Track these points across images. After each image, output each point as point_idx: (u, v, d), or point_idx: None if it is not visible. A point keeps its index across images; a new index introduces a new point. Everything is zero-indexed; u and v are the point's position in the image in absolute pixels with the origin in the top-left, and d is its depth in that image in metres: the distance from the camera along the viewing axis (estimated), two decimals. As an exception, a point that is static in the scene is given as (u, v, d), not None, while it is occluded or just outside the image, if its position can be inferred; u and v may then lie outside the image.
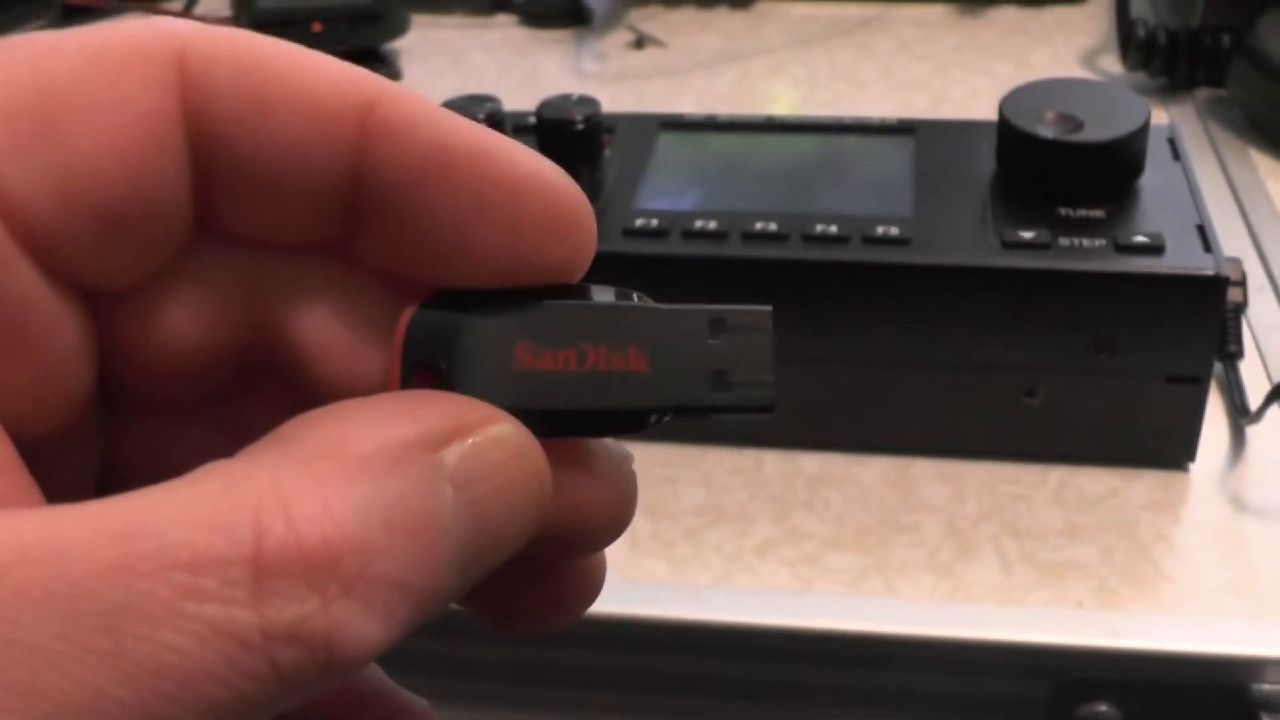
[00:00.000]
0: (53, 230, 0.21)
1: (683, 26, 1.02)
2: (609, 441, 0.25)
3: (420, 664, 0.52)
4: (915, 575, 0.54)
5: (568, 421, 0.23)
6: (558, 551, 0.25)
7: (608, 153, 0.64)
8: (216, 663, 0.18)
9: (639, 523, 0.56)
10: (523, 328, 0.23)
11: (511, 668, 0.55)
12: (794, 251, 0.56)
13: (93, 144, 0.21)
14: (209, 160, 0.22)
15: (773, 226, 0.57)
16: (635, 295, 0.24)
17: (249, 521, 0.19)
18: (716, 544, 0.56)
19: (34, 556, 0.18)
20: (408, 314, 0.23)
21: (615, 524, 0.25)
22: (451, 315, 0.23)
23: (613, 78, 0.95)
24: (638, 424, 0.24)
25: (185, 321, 0.24)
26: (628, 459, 0.25)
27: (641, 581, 0.54)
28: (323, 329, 0.25)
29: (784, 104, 0.92)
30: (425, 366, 0.23)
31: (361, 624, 0.19)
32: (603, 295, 0.24)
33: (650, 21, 1.02)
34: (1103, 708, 0.51)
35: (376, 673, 0.28)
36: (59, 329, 0.22)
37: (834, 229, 0.57)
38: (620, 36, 1.01)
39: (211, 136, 0.22)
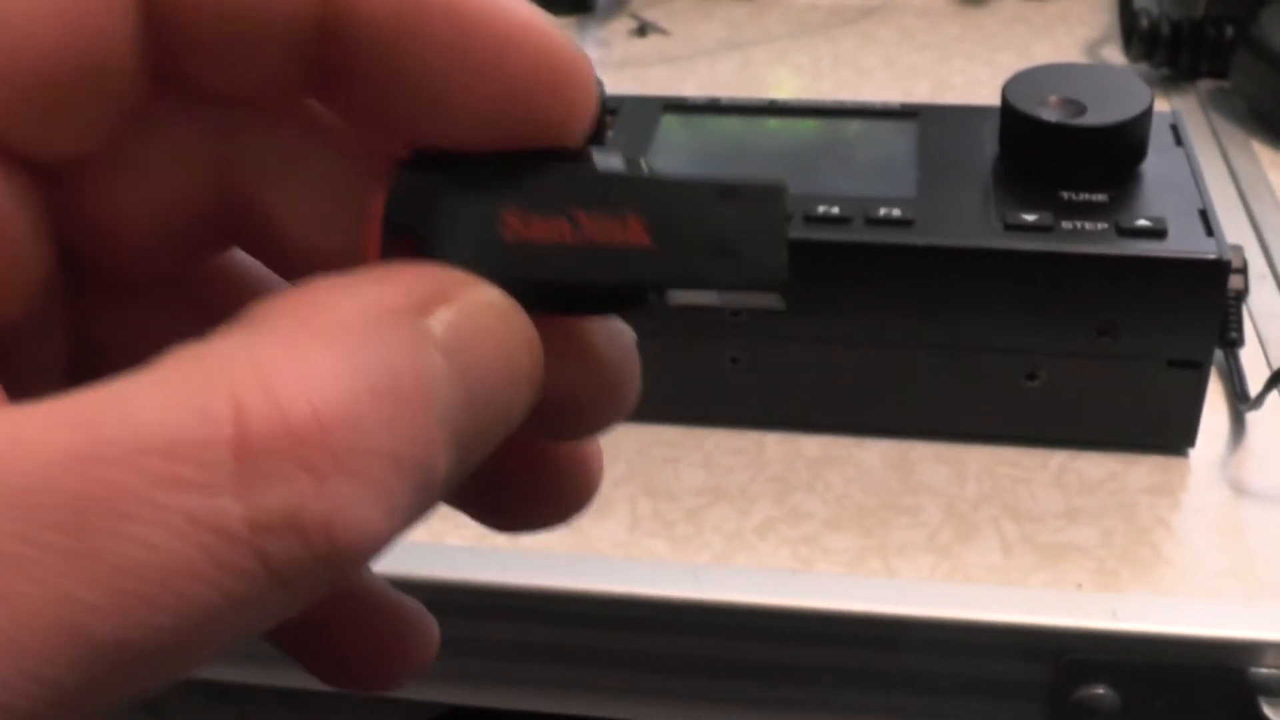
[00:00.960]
0: None
1: (685, 14, 1.02)
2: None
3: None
4: (915, 556, 0.54)
5: (559, 295, 0.22)
6: (551, 432, 0.24)
7: (610, 134, 0.64)
8: (198, 559, 0.16)
9: (639, 502, 0.56)
10: (511, 192, 0.22)
11: (510, 646, 0.55)
12: (796, 232, 0.56)
13: (32, 9, 0.19)
14: (166, 15, 0.21)
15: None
16: (643, 162, 0.22)
17: (225, 398, 0.17)
18: (717, 524, 0.56)
19: None
20: (387, 180, 0.22)
21: (613, 402, 0.24)
22: (434, 179, 0.22)
23: (615, 65, 0.95)
24: (635, 300, 0.22)
25: (147, 190, 0.23)
26: (625, 331, 0.24)
27: (641, 560, 0.54)
28: (296, 196, 0.23)
29: (786, 92, 0.92)
30: (405, 235, 0.22)
31: (361, 505, 0.18)
32: (605, 162, 0.22)
33: (653, 9, 1.02)
34: (1100, 690, 0.51)
35: (369, 571, 0.26)
36: (9, 209, 0.21)
37: (836, 210, 0.57)
38: (623, 24, 1.01)
39: None
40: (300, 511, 0.17)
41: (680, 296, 0.22)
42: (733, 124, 0.66)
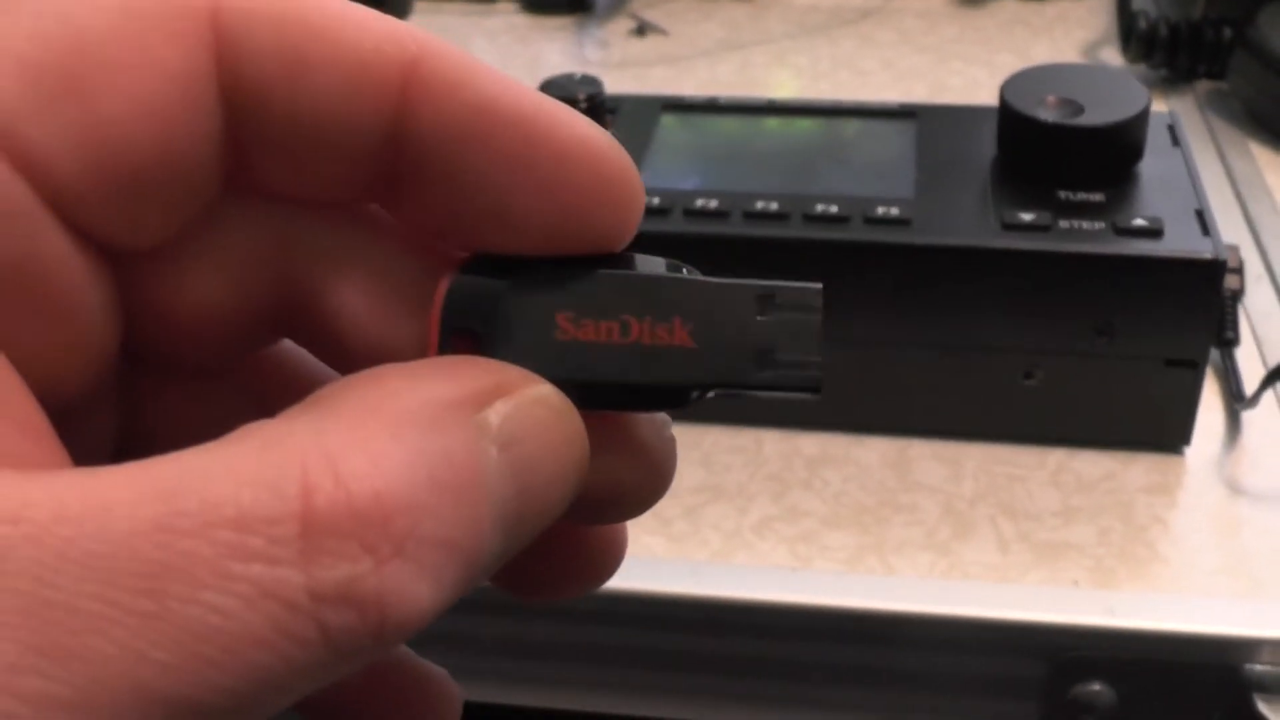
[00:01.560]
0: (79, 191, 0.21)
1: (685, 15, 1.02)
2: None
3: (414, 640, 0.52)
4: (912, 554, 0.54)
5: (608, 394, 0.23)
6: (589, 518, 0.25)
7: (610, 133, 0.64)
8: (263, 626, 0.17)
9: (638, 500, 0.57)
10: (565, 296, 0.23)
11: (507, 643, 0.55)
12: (795, 231, 0.56)
13: (121, 104, 0.20)
14: (243, 118, 0.22)
15: (774, 206, 0.57)
16: (684, 268, 0.23)
17: (295, 477, 0.18)
18: (715, 521, 0.56)
19: (72, 515, 0.17)
20: (446, 279, 0.23)
21: (652, 491, 0.25)
22: (492, 281, 0.23)
23: (615, 65, 0.95)
24: (680, 400, 0.23)
25: (211, 282, 0.23)
26: (667, 424, 0.25)
27: (640, 557, 0.54)
28: (355, 293, 0.24)
29: (785, 93, 0.92)
30: (463, 333, 0.23)
31: (413, 585, 0.19)
32: (648, 266, 0.23)
33: (652, 9, 1.03)
34: (1097, 687, 0.51)
35: None
36: (85, 290, 0.22)
37: (835, 209, 0.57)
38: (622, 24, 1.01)
39: (247, 94, 0.21)
40: (357, 587, 0.18)
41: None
42: (732, 124, 0.66)
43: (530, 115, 0.22)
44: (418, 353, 0.23)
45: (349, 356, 0.24)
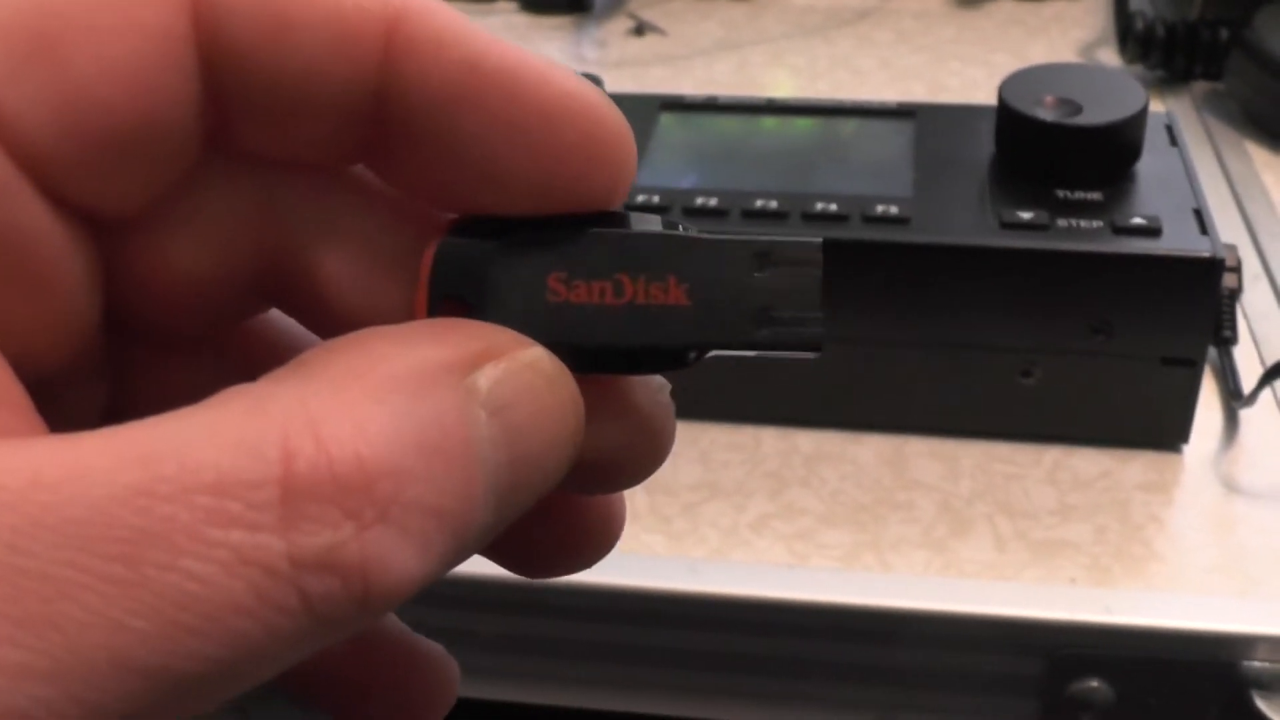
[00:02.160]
0: (55, 156, 0.20)
1: (683, 14, 1.02)
2: None
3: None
4: (909, 551, 0.54)
5: (603, 357, 0.22)
6: (586, 487, 0.24)
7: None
8: (243, 593, 0.17)
9: (636, 498, 0.57)
10: (556, 257, 0.22)
11: (506, 640, 0.55)
12: (794, 229, 0.56)
13: (97, 65, 0.20)
14: (223, 79, 0.21)
15: (773, 204, 0.57)
16: (680, 225, 0.23)
17: (276, 441, 0.18)
18: (713, 519, 0.56)
19: (47, 482, 0.17)
20: (434, 242, 0.22)
21: (650, 458, 0.24)
22: (481, 243, 0.22)
23: (613, 65, 0.95)
24: (677, 361, 0.23)
25: (195, 249, 0.23)
26: (664, 388, 0.24)
27: (638, 554, 0.54)
28: (341, 259, 0.23)
29: (783, 92, 0.92)
30: (452, 297, 0.22)
31: (398, 553, 0.18)
32: (643, 224, 0.23)
33: (650, 9, 1.03)
34: (1094, 683, 0.51)
35: (391, 615, 0.27)
36: (64, 259, 0.21)
37: (834, 207, 0.57)
38: (620, 24, 1.01)
39: (226, 54, 0.21)
40: (339, 553, 0.18)
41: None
42: (730, 122, 0.66)
43: (517, 70, 0.21)
44: (406, 319, 0.22)
45: (337, 324, 0.23)
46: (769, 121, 0.66)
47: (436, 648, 0.28)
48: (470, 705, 0.61)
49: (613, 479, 0.24)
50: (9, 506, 0.17)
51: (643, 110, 0.67)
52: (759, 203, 0.57)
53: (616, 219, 0.23)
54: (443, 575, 0.19)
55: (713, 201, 0.58)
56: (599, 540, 0.26)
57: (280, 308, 0.25)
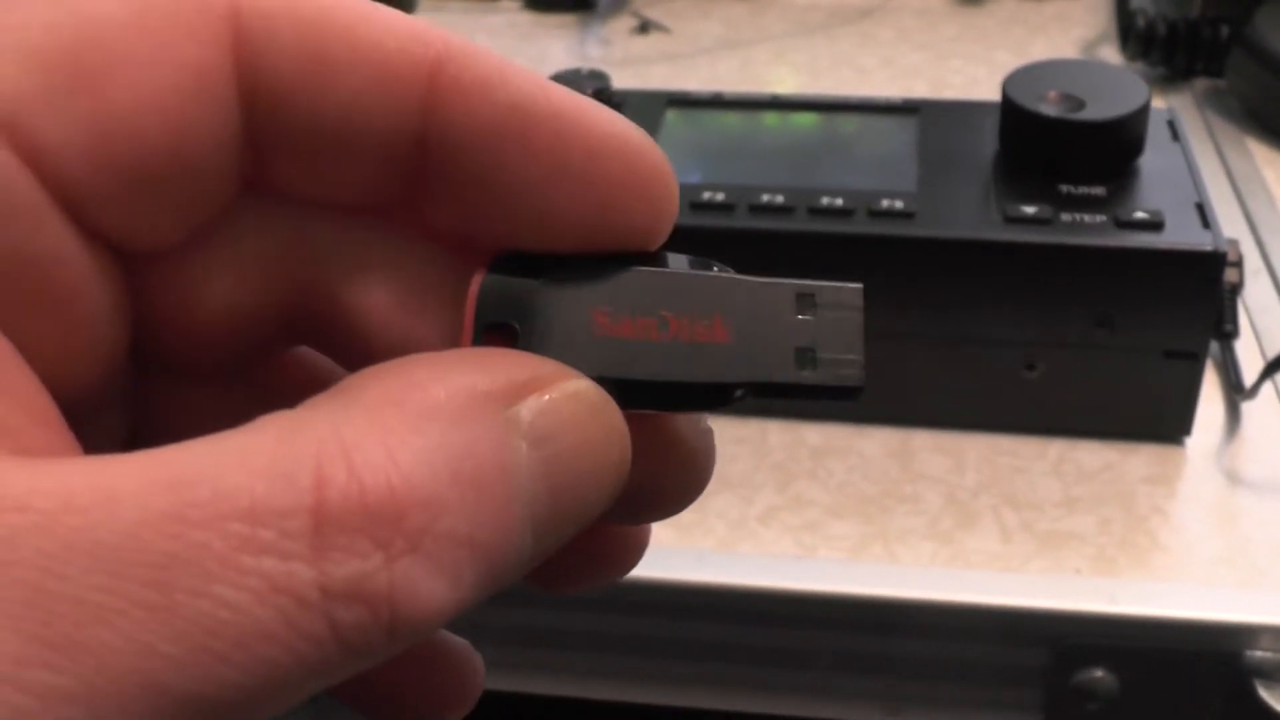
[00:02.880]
0: (88, 187, 0.20)
1: (686, 13, 1.03)
2: None
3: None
4: (916, 543, 0.55)
5: (647, 392, 0.22)
6: (625, 518, 0.24)
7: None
8: (273, 621, 0.17)
9: (644, 490, 0.57)
10: (601, 292, 0.22)
11: (513, 631, 0.56)
12: (800, 224, 0.57)
13: (134, 98, 0.20)
14: (263, 119, 0.21)
15: (779, 199, 0.58)
16: (716, 266, 0.23)
17: (309, 469, 0.18)
18: (721, 511, 0.57)
19: (80, 505, 0.17)
20: (479, 274, 0.22)
21: (692, 488, 0.24)
22: (526, 277, 0.22)
23: (616, 63, 0.96)
24: (722, 399, 0.23)
25: (226, 286, 0.23)
26: (705, 418, 0.24)
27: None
28: (377, 296, 0.23)
29: (785, 89, 0.92)
30: (498, 328, 0.22)
31: (427, 584, 0.18)
32: (682, 264, 0.23)
33: (654, 7, 1.03)
34: (1099, 673, 0.52)
35: None
36: (92, 288, 0.21)
37: (840, 202, 0.57)
38: (624, 22, 1.02)
39: (267, 94, 0.21)
40: (368, 583, 0.18)
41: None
42: (736, 119, 0.67)
43: (564, 112, 0.21)
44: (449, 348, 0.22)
45: (371, 361, 0.23)
46: (774, 118, 0.67)
47: (462, 642, 0.27)
48: (481, 695, 0.61)
49: (651, 510, 0.24)
50: (41, 529, 0.17)
51: (649, 107, 0.67)
52: (765, 198, 0.58)
53: (656, 258, 0.23)
54: (477, 604, 0.19)
55: (719, 196, 0.58)
56: (623, 559, 0.26)
57: (311, 344, 0.25)
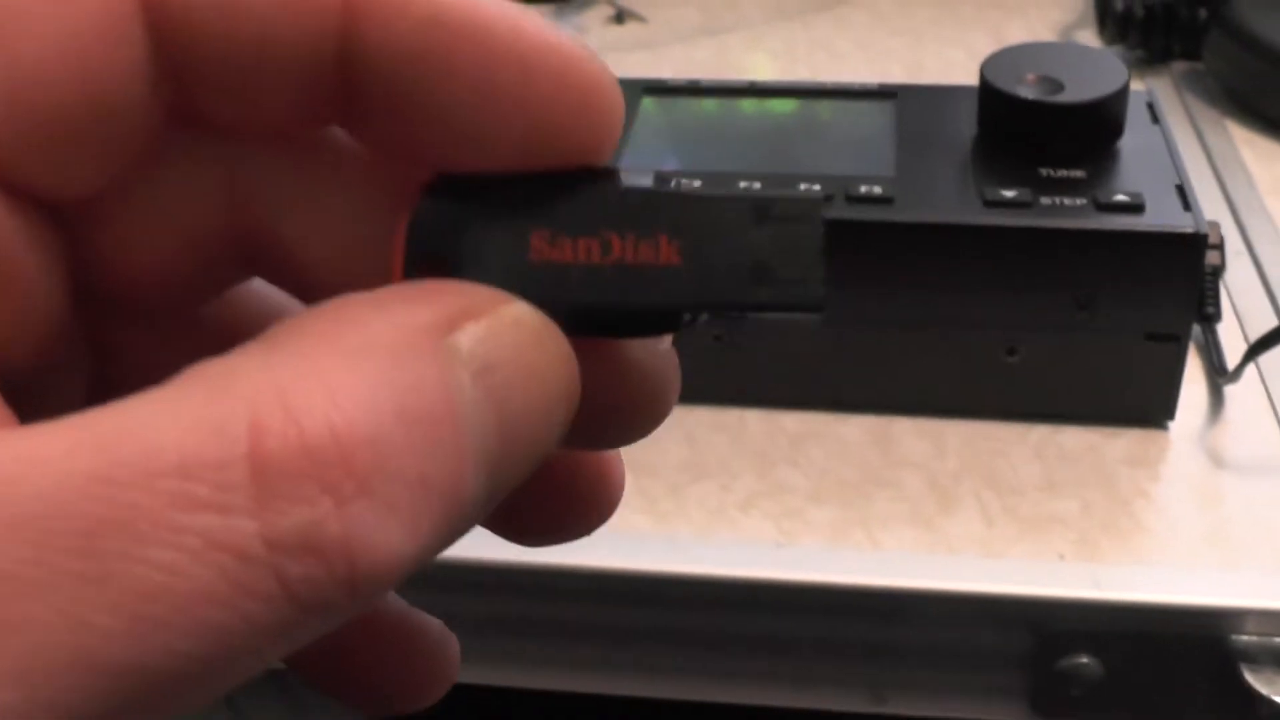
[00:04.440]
0: (3, 144, 0.19)
1: (662, 1, 1.02)
2: None
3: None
4: (897, 528, 0.54)
5: (591, 319, 0.21)
6: (586, 443, 0.23)
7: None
8: (215, 580, 0.16)
9: (623, 479, 0.57)
10: (539, 214, 0.21)
11: (489, 621, 0.55)
12: (777, 210, 0.56)
13: (37, 47, 0.19)
14: (175, 50, 0.20)
15: (756, 186, 0.57)
16: (675, 182, 0.22)
17: (243, 416, 0.17)
18: (699, 498, 0.56)
19: (4, 475, 0.16)
20: (410, 204, 0.21)
21: (651, 411, 0.23)
22: (459, 203, 0.21)
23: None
24: (670, 324, 0.22)
25: (163, 224, 0.22)
26: (664, 339, 0.23)
27: (624, 534, 0.54)
28: (316, 225, 0.23)
29: (763, 76, 0.92)
30: (431, 259, 0.21)
31: (384, 528, 0.17)
32: (634, 180, 0.22)
33: (629, -5, 1.03)
34: (1084, 659, 0.51)
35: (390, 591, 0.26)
36: (21, 248, 0.20)
37: (817, 188, 0.57)
38: (600, 10, 1.01)
39: (176, 24, 0.20)
40: (318, 532, 0.17)
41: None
42: (713, 106, 0.66)
43: (489, 24, 0.20)
44: (385, 281, 0.21)
45: (318, 292, 0.22)
46: (751, 104, 0.66)
47: (436, 623, 0.27)
48: (453, 689, 0.61)
49: (613, 434, 0.23)
50: None
51: (625, 94, 0.66)
52: (742, 184, 0.57)
53: (605, 174, 0.22)
54: (435, 555, 0.18)
55: (696, 183, 0.58)
56: (597, 504, 0.25)
57: (264, 276, 0.24)
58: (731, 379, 0.60)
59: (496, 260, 0.21)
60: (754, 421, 0.60)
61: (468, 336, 0.19)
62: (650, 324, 0.22)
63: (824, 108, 0.65)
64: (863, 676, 0.54)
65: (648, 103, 0.66)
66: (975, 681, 0.53)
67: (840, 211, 0.56)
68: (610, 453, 0.25)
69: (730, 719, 0.60)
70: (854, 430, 0.60)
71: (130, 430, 0.16)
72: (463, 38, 0.20)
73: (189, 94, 0.21)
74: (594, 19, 1.00)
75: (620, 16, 0.99)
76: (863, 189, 0.57)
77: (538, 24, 0.21)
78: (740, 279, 0.21)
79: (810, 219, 0.21)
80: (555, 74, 0.21)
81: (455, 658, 0.27)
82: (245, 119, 0.22)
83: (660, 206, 0.21)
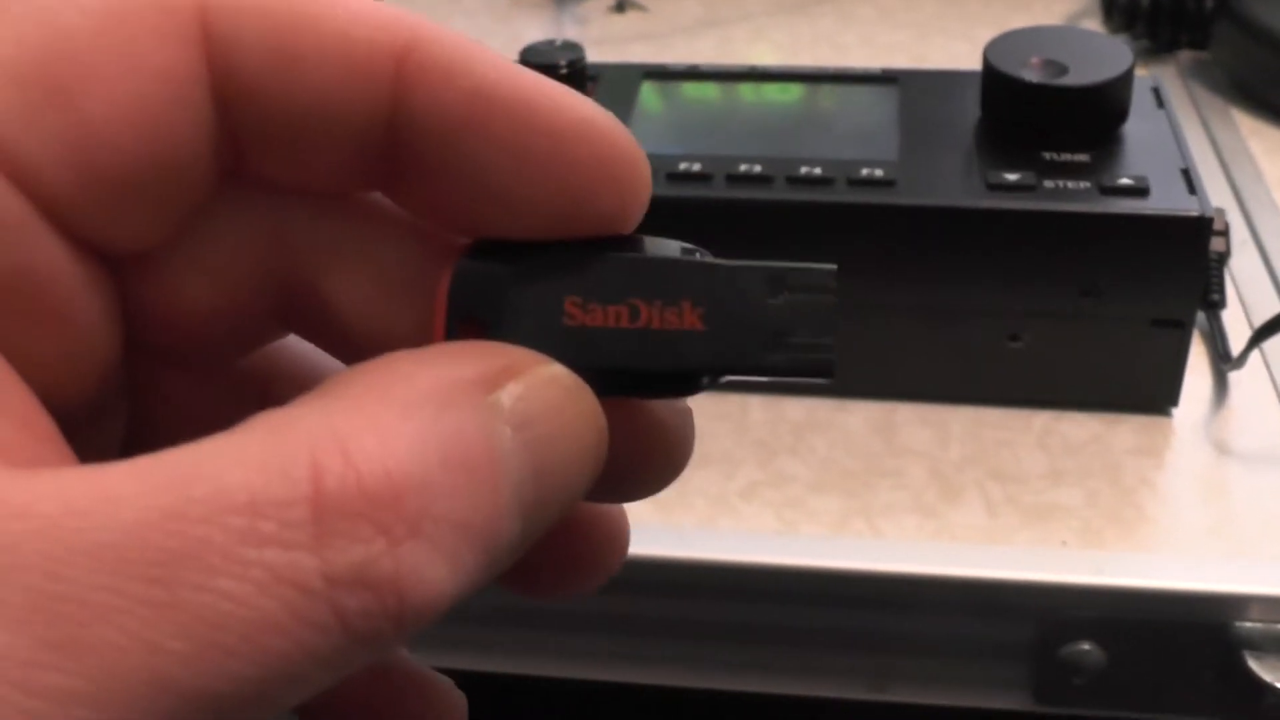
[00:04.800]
0: (71, 198, 0.20)
1: (664, -8, 1.02)
2: None
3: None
4: (899, 517, 0.54)
5: (619, 380, 0.23)
6: (606, 498, 0.25)
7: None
8: (278, 611, 0.17)
9: (622, 466, 0.56)
10: (572, 281, 0.22)
11: (492, 612, 0.55)
12: (779, 193, 0.56)
13: (109, 107, 0.20)
14: (236, 114, 0.22)
15: (757, 169, 0.57)
16: (697, 251, 0.23)
17: (305, 461, 0.18)
18: (701, 487, 0.56)
19: (80, 509, 0.17)
20: (450, 266, 0.23)
21: (670, 467, 0.25)
22: (497, 267, 0.23)
23: (594, 42, 0.94)
24: (689, 386, 0.23)
25: (211, 278, 0.23)
26: (680, 400, 0.25)
27: (625, 522, 0.54)
28: (356, 284, 0.24)
29: (766, 67, 0.91)
30: (469, 320, 0.22)
31: (430, 567, 0.18)
32: (659, 249, 0.23)
33: (631, -13, 1.02)
34: (1086, 647, 0.51)
35: (400, 650, 0.28)
36: (84, 298, 0.22)
37: (819, 171, 0.56)
38: (601, 1, 1.01)
39: (238, 90, 0.21)
40: (373, 569, 0.18)
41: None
42: (713, 90, 0.66)
43: (528, 98, 0.22)
44: (423, 343, 0.22)
45: (354, 349, 0.24)
46: (751, 90, 0.66)
47: (446, 681, 0.28)
48: (456, 677, 0.61)
49: (633, 489, 0.25)
50: (43, 534, 0.17)
51: (624, 80, 0.66)
52: (743, 167, 0.57)
53: (632, 243, 0.23)
54: (474, 592, 0.19)
55: (696, 167, 0.57)
56: (605, 559, 0.26)
57: (299, 333, 0.26)
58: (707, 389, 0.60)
59: (532, 323, 0.22)
60: (756, 410, 0.60)
61: (508, 394, 0.20)
62: (673, 385, 0.23)
63: (826, 93, 0.65)
64: (864, 665, 0.54)
65: (647, 87, 0.66)
66: (978, 669, 0.53)
67: (842, 195, 0.56)
68: (619, 513, 0.27)
69: (731, 707, 0.59)
70: (856, 419, 0.59)
71: (201, 470, 0.18)
72: (505, 110, 0.22)
73: (244, 153, 0.22)
74: (595, 9, 1.00)
75: (621, 6, 0.99)
76: (864, 172, 0.56)
77: (574, 99, 0.22)
78: (758, 345, 0.23)
79: (824, 289, 0.23)
80: (589, 146, 0.22)
81: (463, 714, 0.28)
82: (295, 178, 0.23)
83: (684, 275, 0.23)
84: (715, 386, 0.23)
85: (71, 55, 0.20)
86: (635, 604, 0.54)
